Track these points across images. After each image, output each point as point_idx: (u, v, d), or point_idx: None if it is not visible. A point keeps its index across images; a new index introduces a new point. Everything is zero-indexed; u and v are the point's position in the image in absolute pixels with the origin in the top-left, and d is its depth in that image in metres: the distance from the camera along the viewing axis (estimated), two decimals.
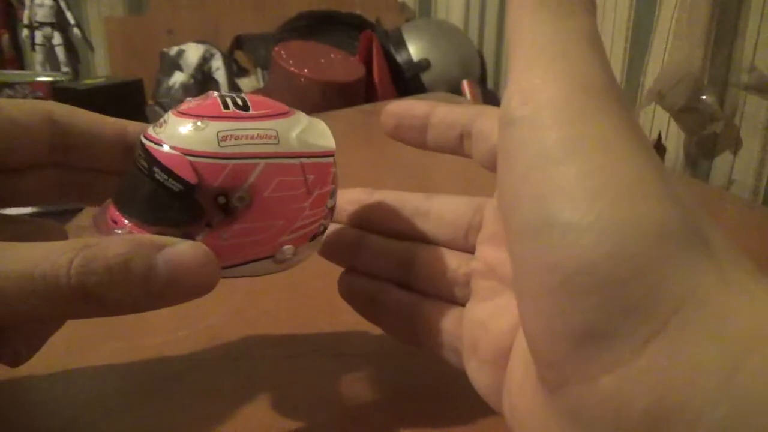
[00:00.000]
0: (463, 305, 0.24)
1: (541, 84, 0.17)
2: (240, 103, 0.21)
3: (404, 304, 0.25)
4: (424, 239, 0.26)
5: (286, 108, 0.23)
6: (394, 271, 0.26)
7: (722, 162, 0.76)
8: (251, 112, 0.21)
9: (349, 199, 0.27)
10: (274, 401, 0.26)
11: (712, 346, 0.13)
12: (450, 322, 0.24)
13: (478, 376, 0.22)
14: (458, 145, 0.24)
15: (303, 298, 0.32)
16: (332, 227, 0.26)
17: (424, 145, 0.25)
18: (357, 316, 0.27)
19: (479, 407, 0.22)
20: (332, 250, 0.27)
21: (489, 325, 0.21)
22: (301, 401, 0.26)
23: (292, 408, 0.26)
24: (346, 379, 0.27)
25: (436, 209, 0.26)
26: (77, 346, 0.28)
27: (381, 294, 0.26)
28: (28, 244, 0.18)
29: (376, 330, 0.27)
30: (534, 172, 0.16)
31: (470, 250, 0.25)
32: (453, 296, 0.24)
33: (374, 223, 0.27)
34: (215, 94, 0.22)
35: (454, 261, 0.25)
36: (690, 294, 0.14)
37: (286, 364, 0.29)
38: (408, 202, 0.26)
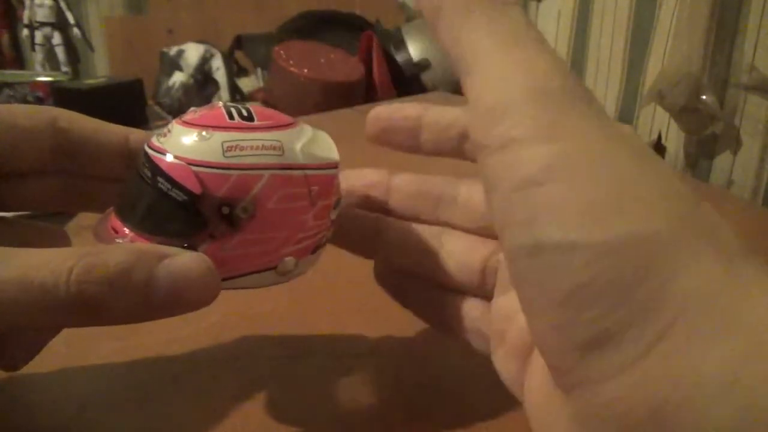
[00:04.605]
0: (492, 292, 0.23)
1: (503, 96, 0.16)
2: (245, 113, 0.21)
3: (431, 290, 0.25)
4: (448, 226, 0.24)
5: (290, 119, 0.22)
6: (418, 259, 0.25)
7: (722, 162, 0.76)
8: (256, 122, 0.21)
9: (365, 182, 0.26)
10: (274, 401, 0.26)
11: (717, 348, 0.13)
12: (478, 309, 0.23)
13: (504, 366, 0.21)
14: (457, 147, 0.23)
15: (303, 298, 0.32)
16: (347, 213, 0.25)
17: (416, 148, 0.24)
18: (357, 316, 0.27)
19: (480, 408, 0.22)
20: (351, 241, 0.26)
21: (515, 317, 0.21)
22: (300, 401, 0.26)
23: (292, 408, 0.26)
24: (345, 379, 0.27)
25: (463, 195, 0.24)
26: (77, 345, 0.28)
27: (407, 281, 0.25)
28: (29, 250, 0.18)
29: (376, 330, 0.26)
30: (518, 194, 0.15)
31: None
32: (482, 284, 0.24)
33: (394, 209, 0.25)
34: (220, 104, 0.22)
35: (481, 250, 0.23)
36: (696, 292, 0.13)
37: (286, 364, 0.28)
38: (432, 187, 0.25)
